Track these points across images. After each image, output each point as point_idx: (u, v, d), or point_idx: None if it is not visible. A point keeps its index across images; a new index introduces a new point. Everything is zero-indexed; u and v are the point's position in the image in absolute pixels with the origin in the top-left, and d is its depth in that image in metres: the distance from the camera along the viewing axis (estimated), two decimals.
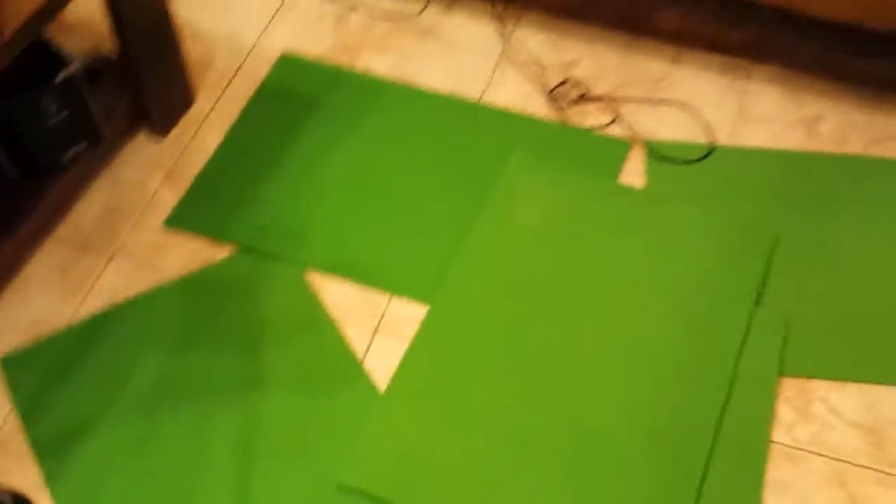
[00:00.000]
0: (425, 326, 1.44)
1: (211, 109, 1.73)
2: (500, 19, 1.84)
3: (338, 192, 1.60)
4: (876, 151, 1.64)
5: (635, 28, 1.76)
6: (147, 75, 1.55)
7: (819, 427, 1.35)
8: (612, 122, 1.70)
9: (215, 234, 1.56)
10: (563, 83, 1.75)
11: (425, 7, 1.85)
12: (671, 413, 1.34)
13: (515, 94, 1.74)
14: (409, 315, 1.47)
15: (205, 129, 1.70)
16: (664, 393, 1.36)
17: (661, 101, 1.72)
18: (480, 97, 1.73)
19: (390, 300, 1.49)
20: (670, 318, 1.43)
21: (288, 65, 1.79)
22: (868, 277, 1.48)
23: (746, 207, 1.57)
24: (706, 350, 1.40)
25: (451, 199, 1.59)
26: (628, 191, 1.61)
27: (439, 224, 1.56)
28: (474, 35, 1.83)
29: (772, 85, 1.73)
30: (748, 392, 1.37)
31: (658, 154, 1.65)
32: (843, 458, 1.32)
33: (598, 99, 1.73)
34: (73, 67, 1.39)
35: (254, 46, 1.82)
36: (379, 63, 1.79)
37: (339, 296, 1.49)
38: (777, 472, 1.31)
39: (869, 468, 1.31)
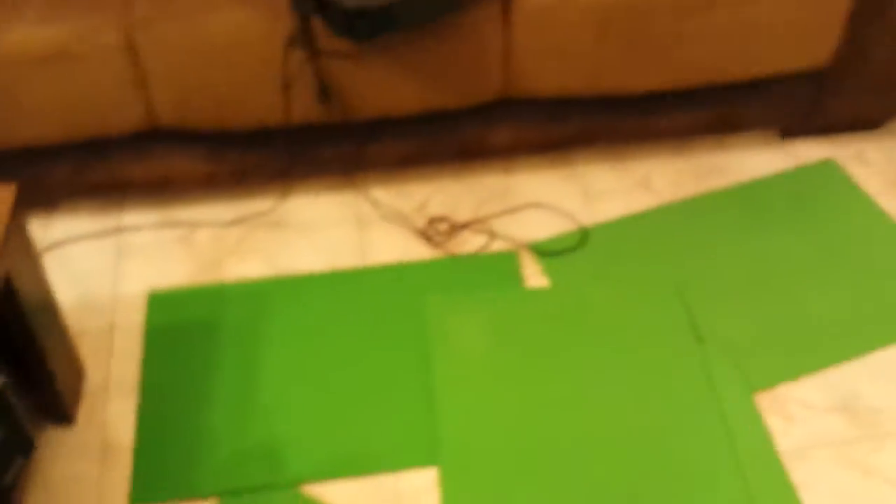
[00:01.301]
0: (447, 484, 1.45)
1: (107, 375, 1.63)
2: (350, 185, 1.92)
3: (285, 399, 1.58)
4: (705, 187, 1.90)
5: (471, 154, 1.91)
6: (48, 358, 1.45)
7: (805, 423, 1.53)
8: (491, 240, 1.82)
9: (190, 494, 1.47)
10: (430, 222, 1.86)
11: (277, 202, 1.88)
12: (689, 473, 1.46)
13: (393, 246, 1.82)
14: (422, 484, 1.47)
15: (112, 397, 1.60)
16: (674, 458, 1.48)
17: (519, 208, 1.87)
18: (363, 262, 1.79)
19: (397, 478, 1.48)
20: (639, 389, 1.56)
21: (160, 302, 1.74)
22: (770, 284, 1.71)
23: (641, 268, 1.75)
24: (683, 402, 1.54)
25: (391, 360, 1.62)
26: (542, 292, 1.73)
27: (398, 387, 1.58)
28: (329, 209, 1.89)
29: (600, 163, 1.95)
30: (739, 420, 1.52)
31: (544, 252, 1.80)
32: (838, 440, 1.50)
33: (466, 225, 1.85)
34: (1, 381, 1.28)
35: (114, 298, 1.75)
36: (249, 268, 1.79)
37: (345, 498, 1.46)
38: (798, 475, 1.46)
39: (861, 439, 1.50)
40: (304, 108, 1.72)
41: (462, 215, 1.88)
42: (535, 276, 1.77)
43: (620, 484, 1.44)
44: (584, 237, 1.82)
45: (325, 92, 1.71)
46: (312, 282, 1.76)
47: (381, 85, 1.71)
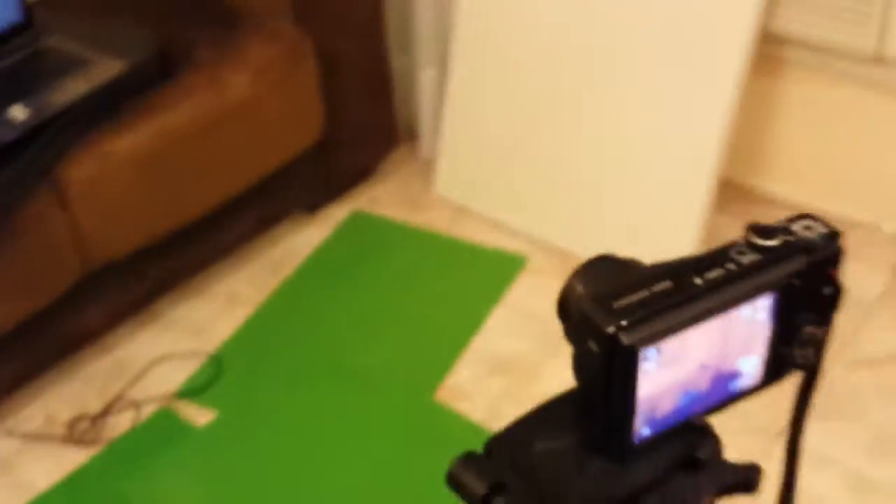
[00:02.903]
0: None
1: None
2: None
3: None
4: (283, 277, 2.15)
5: (71, 347, 1.91)
6: None
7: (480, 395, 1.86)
8: (138, 411, 1.86)
9: None
10: (69, 427, 1.83)
11: None
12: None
13: (50, 469, 1.76)
14: None
15: None
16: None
17: (143, 371, 1.93)
18: (30, 497, 1.71)
19: None
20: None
21: None
22: (385, 319, 2.02)
23: (279, 362, 1.94)
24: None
25: None
26: (218, 422, 1.83)
27: None
28: None
29: (188, 297, 2.08)
30: (436, 414, 1.80)
31: (192, 392, 1.89)
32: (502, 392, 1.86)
33: (106, 412, 1.86)
34: None
35: None
36: None
37: None
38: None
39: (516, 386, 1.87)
40: None
41: (94, 406, 1.87)
42: (200, 415, 1.85)
43: None
44: (217, 362, 1.94)
45: None
46: None
47: None
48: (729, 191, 2.11)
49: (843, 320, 1.79)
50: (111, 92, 1.84)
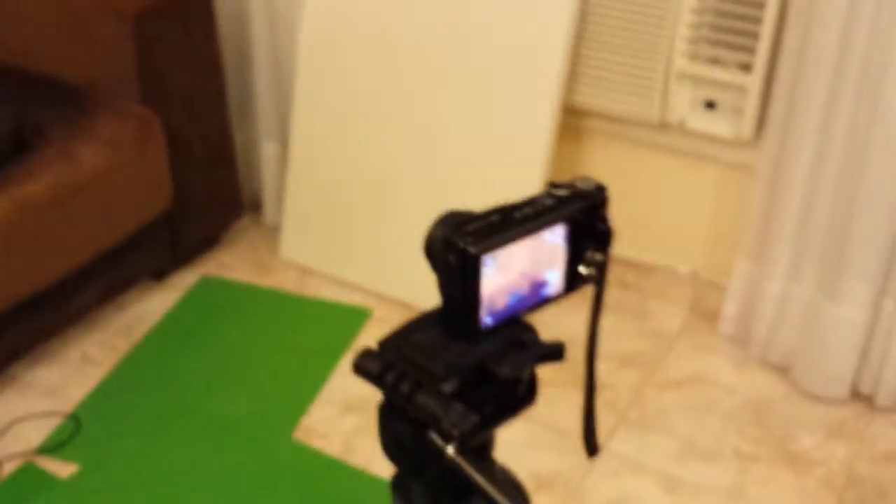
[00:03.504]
0: None
1: None
2: None
3: None
4: (135, 340, 2.31)
5: None
6: None
7: (334, 428, 2.07)
8: (1, 467, 1.97)
9: None
10: None
11: None
12: None
13: None
14: None
15: None
16: None
17: (3, 431, 2.03)
18: None
19: None
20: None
21: None
22: (234, 372, 2.21)
23: (133, 418, 2.10)
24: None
25: None
26: (80, 475, 1.96)
27: None
28: None
29: (42, 362, 2.21)
30: (295, 454, 2.00)
31: (53, 448, 2.01)
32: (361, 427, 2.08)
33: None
34: None
35: None
36: None
37: None
38: (356, 459, 1.99)
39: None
40: None
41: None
42: (62, 469, 1.97)
43: None
44: (75, 420, 2.08)
45: None
46: None
47: None
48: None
49: (651, 349, 2.14)
50: None
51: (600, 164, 2.44)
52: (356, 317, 2.34)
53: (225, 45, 2.43)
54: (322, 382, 2.18)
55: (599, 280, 0.80)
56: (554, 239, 0.77)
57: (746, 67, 2.12)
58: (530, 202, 0.77)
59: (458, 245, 0.72)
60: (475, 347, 0.76)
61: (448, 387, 0.74)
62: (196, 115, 2.41)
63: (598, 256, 0.79)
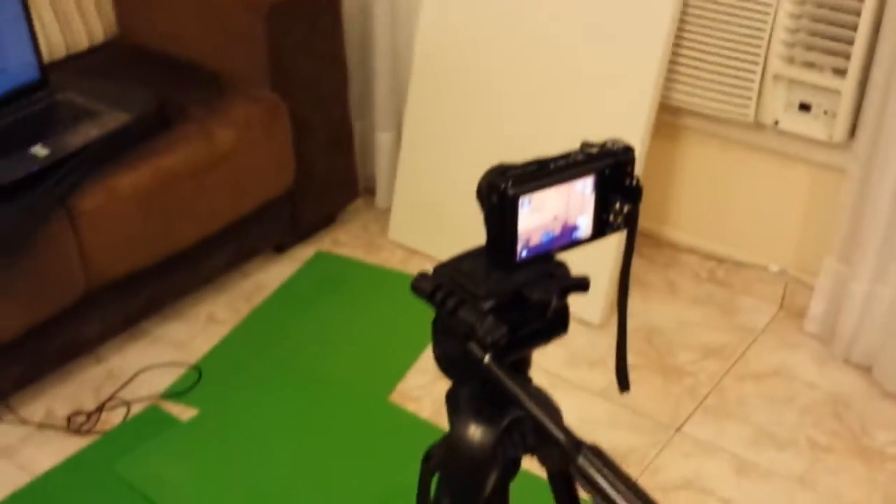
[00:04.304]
0: None
1: None
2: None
3: None
4: (255, 303, 2.53)
5: (70, 355, 2.27)
6: None
7: (430, 396, 2.25)
8: (128, 409, 2.21)
9: None
10: (68, 420, 2.17)
11: None
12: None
13: (51, 454, 2.09)
14: None
15: None
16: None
17: (132, 378, 2.28)
18: (33, 477, 2.03)
19: None
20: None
21: None
22: (342, 337, 2.41)
23: (253, 370, 2.31)
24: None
25: None
26: (200, 419, 2.18)
27: None
28: None
29: (172, 320, 2.45)
30: (392, 416, 2.18)
31: (176, 394, 2.25)
32: None
33: (100, 409, 2.21)
34: None
35: None
36: None
37: None
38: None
39: None
40: None
41: (89, 405, 2.22)
42: (184, 413, 2.20)
43: None
44: (198, 371, 2.31)
45: None
46: None
47: None
48: (640, 238, 2.56)
49: (737, 342, 2.24)
50: (118, 138, 2.25)
51: (695, 162, 2.54)
52: None
53: (348, 39, 2.64)
54: (418, 353, 2.36)
55: (630, 229, 0.94)
56: (583, 189, 0.91)
57: (841, 72, 2.19)
58: (564, 156, 0.91)
59: (499, 187, 0.88)
60: (512, 276, 0.91)
61: (486, 304, 0.89)
62: (320, 103, 2.62)
63: (626, 207, 0.93)
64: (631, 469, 2.06)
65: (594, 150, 0.92)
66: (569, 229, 0.92)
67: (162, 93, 2.39)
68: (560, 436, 0.85)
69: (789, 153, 2.38)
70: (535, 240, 0.91)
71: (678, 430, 2.17)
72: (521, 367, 0.97)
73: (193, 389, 2.26)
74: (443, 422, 2.04)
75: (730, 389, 2.28)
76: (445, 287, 0.90)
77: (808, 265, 2.45)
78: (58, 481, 2.03)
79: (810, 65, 2.24)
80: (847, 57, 2.17)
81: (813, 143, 2.31)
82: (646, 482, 2.01)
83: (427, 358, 2.35)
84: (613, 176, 0.92)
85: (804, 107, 2.28)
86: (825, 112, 2.25)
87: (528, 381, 0.96)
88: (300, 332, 2.43)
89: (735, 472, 2.07)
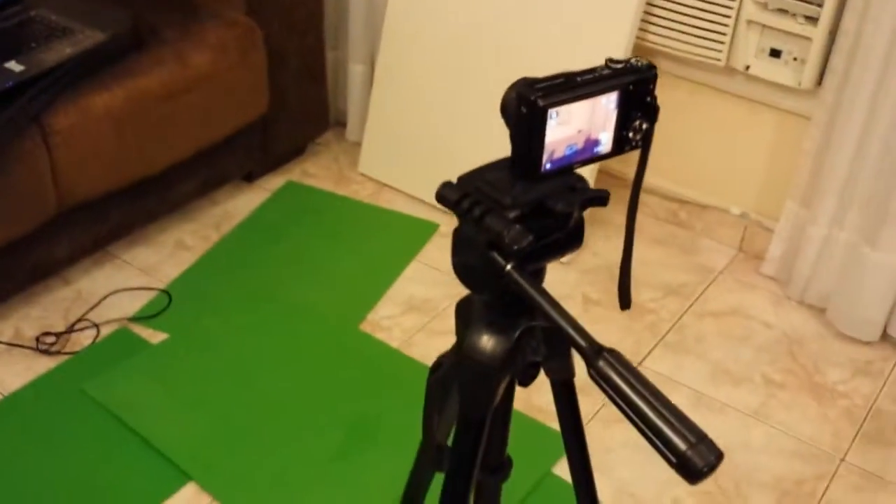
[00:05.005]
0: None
1: None
2: None
3: None
4: (225, 231, 2.52)
5: (39, 276, 2.24)
6: None
7: (397, 328, 2.27)
8: (97, 330, 2.19)
9: None
10: (37, 340, 2.15)
11: None
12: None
13: (18, 372, 2.07)
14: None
15: None
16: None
17: (101, 300, 2.26)
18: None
19: None
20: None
21: None
22: (312, 263, 2.41)
23: (223, 294, 2.31)
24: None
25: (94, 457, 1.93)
26: (170, 341, 2.18)
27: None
28: None
29: (139, 244, 2.43)
30: (363, 343, 2.20)
31: (146, 317, 2.24)
32: (419, 325, 2.27)
33: (69, 330, 2.19)
34: None
35: None
36: None
37: None
38: (414, 352, 2.18)
39: (427, 322, 2.28)
40: None
41: (58, 326, 2.20)
42: (153, 336, 2.19)
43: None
44: (168, 295, 2.30)
45: None
46: None
47: None
48: (611, 181, 2.59)
49: (696, 282, 2.29)
50: (92, 56, 2.20)
51: (665, 104, 2.53)
52: (424, 229, 2.53)
53: None
54: (389, 284, 2.37)
55: (645, 146, 0.97)
56: (608, 104, 0.93)
57: (813, 19, 2.23)
58: (591, 71, 0.93)
59: (529, 98, 0.89)
60: (536, 187, 0.93)
61: (512, 213, 0.91)
62: (294, 31, 2.59)
63: (644, 125, 0.96)
64: (587, 395, 2.11)
65: (619, 66, 0.93)
66: (591, 143, 0.94)
67: (137, 13, 2.34)
68: (581, 341, 0.87)
69: (757, 98, 2.42)
70: (559, 152, 0.92)
71: (639, 364, 2.22)
72: (537, 277, 0.99)
73: (164, 313, 2.25)
74: (411, 351, 2.09)
75: (689, 327, 2.34)
76: (471, 196, 0.92)
77: (769, 210, 2.51)
78: (26, 400, 2.02)
79: (783, 11, 2.27)
80: (820, 4, 2.21)
81: (781, 88, 2.36)
82: (605, 414, 2.07)
83: (397, 290, 2.37)
84: (636, 93, 0.94)
85: (775, 53, 2.32)
86: (795, 59, 2.30)
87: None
88: (271, 260, 2.43)
89: (692, 405, 2.14)
